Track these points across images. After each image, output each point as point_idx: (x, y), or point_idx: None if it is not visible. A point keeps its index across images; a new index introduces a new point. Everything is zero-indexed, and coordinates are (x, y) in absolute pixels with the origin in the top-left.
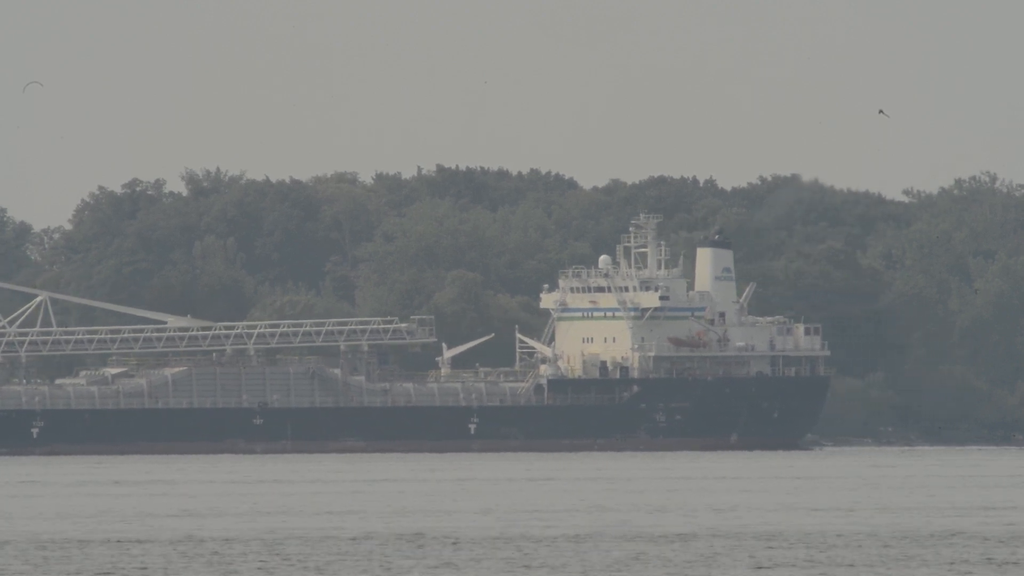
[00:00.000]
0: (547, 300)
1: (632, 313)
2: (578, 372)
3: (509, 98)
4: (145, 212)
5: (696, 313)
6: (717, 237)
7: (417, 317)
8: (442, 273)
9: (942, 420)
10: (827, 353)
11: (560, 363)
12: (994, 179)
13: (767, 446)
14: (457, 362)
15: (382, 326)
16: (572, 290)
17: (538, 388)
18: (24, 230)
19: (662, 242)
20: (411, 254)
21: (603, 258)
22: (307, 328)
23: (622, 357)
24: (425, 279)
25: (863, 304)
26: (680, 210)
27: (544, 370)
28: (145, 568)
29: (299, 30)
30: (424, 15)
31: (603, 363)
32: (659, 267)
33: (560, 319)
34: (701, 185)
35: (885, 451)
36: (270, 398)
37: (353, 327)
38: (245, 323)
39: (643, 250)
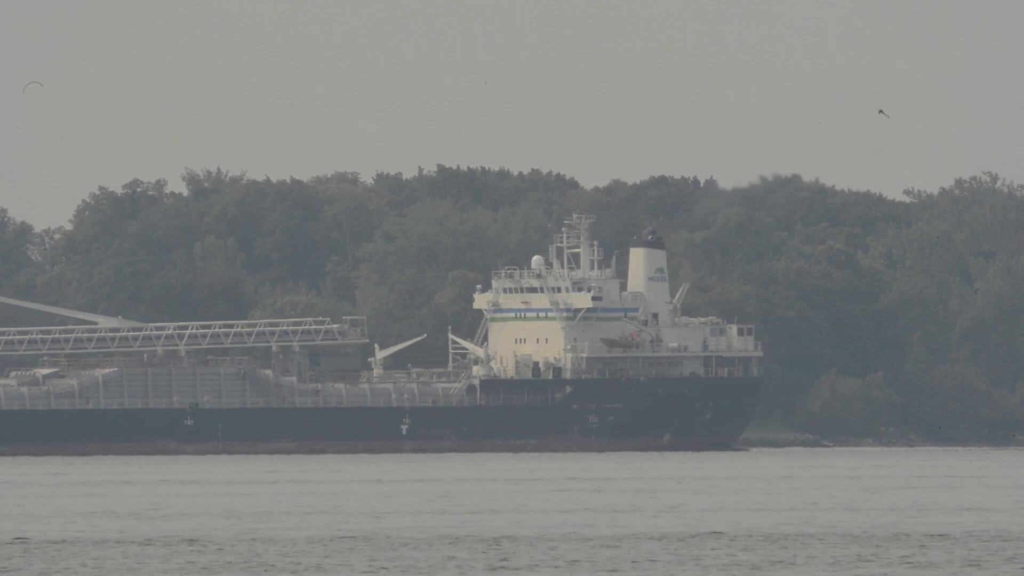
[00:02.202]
0: (480, 300)
1: (565, 314)
2: (511, 373)
3: (509, 98)
4: (145, 212)
5: (629, 314)
6: (650, 237)
7: (349, 318)
8: (442, 273)
9: (942, 420)
10: (760, 354)
11: (493, 364)
12: (994, 179)
13: (700, 447)
14: (390, 363)
15: (314, 327)
16: (505, 291)
17: (470, 389)
18: (24, 230)
19: (595, 242)
20: (411, 254)
21: (536, 258)
22: (239, 329)
23: (555, 358)
24: (425, 279)
25: (863, 304)
26: (680, 210)
27: (477, 371)
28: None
29: (299, 30)
30: (424, 15)
31: (536, 364)
32: (592, 268)
33: (493, 320)
34: (701, 185)
35: (835, 452)
36: (201, 399)
37: (285, 328)
38: (176, 324)
39: (576, 251)
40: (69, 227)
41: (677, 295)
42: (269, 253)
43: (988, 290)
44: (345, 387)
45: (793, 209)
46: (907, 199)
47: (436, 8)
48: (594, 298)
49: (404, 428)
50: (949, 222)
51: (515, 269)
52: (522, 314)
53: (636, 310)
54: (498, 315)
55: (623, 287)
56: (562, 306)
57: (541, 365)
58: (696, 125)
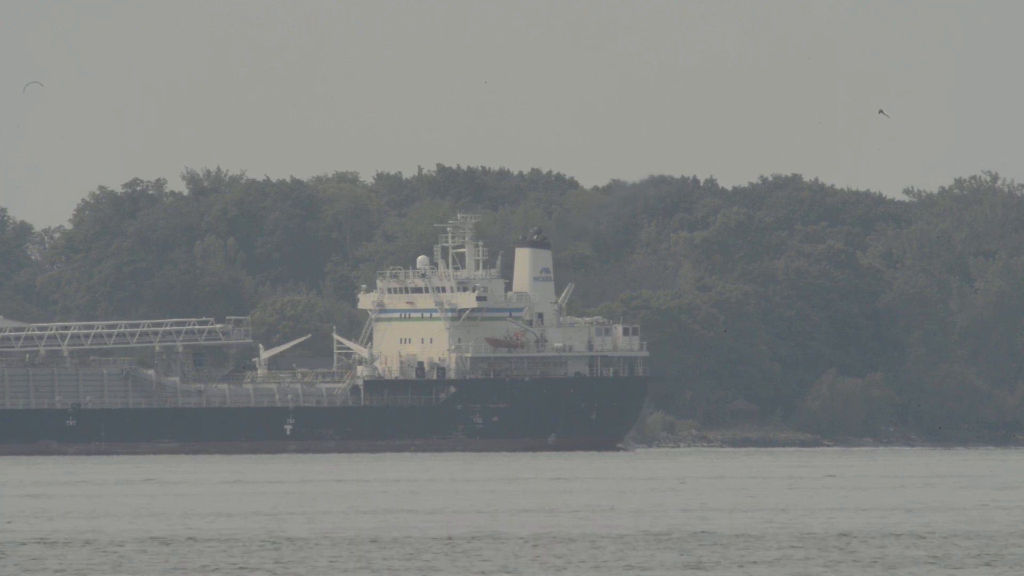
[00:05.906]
0: (365, 301)
1: (449, 314)
2: (395, 373)
3: (509, 98)
4: (145, 212)
5: (514, 314)
6: (536, 237)
7: (233, 318)
8: None
9: (942, 420)
10: (645, 353)
11: (377, 364)
12: (994, 179)
13: (585, 447)
14: (275, 363)
15: (197, 327)
16: (390, 291)
17: (355, 389)
18: (24, 230)
19: (479, 242)
20: (412, 254)
21: (421, 258)
22: (121, 329)
23: (439, 358)
24: None
25: (863, 303)
26: (680, 210)
27: (361, 371)
28: None
29: (300, 30)
30: (424, 15)
31: (420, 364)
32: (476, 267)
33: (378, 320)
34: (701, 185)
35: (785, 452)
36: (83, 399)
37: (168, 328)
38: (58, 323)
39: (461, 250)
40: (69, 226)
41: (562, 295)
42: (269, 253)
43: (988, 290)
44: (228, 387)
45: (793, 208)
46: (907, 198)
47: (436, 8)
48: (479, 298)
49: (288, 428)
50: (949, 221)
51: (400, 269)
52: (407, 314)
53: (521, 310)
54: (383, 315)
55: (508, 287)
56: (447, 306)
57: (426, 365)
58: (696, 125)
